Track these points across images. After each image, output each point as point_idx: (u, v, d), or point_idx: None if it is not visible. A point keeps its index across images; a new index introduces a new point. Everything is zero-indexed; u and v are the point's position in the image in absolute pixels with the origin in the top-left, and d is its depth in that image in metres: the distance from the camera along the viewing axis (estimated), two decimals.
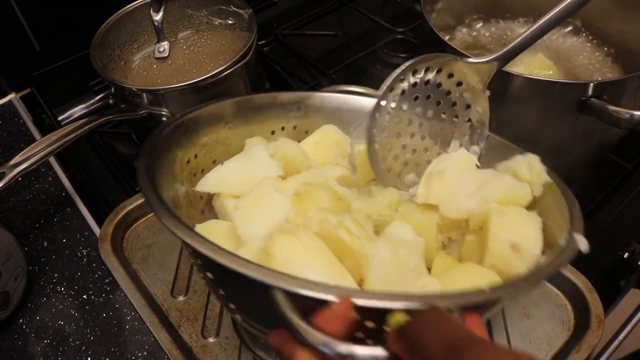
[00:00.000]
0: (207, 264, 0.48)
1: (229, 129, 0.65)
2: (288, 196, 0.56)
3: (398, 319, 0.37)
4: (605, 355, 0.63)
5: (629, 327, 0.65)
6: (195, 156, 0.62)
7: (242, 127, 0.66)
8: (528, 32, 0.59)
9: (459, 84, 0.61)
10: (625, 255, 0.71)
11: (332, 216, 0.50)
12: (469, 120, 0.62)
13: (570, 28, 0.90)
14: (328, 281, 0.45)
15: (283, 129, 0.68)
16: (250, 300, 0.48)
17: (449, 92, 0.61)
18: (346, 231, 0.49)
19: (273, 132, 0.68)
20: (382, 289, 0.47)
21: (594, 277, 0.64)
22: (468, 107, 0.62)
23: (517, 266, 0.53)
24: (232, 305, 0.51)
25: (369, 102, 0.68)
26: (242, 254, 0.47)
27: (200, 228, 0.56)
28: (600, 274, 0.67)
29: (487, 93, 0.61)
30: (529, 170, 0.57)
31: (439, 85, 0.60)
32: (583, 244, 0.49)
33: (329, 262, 0.48)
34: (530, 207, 0.57)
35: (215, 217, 0.62)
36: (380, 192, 0.62)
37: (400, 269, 0.49)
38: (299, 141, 0.69)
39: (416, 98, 0.60)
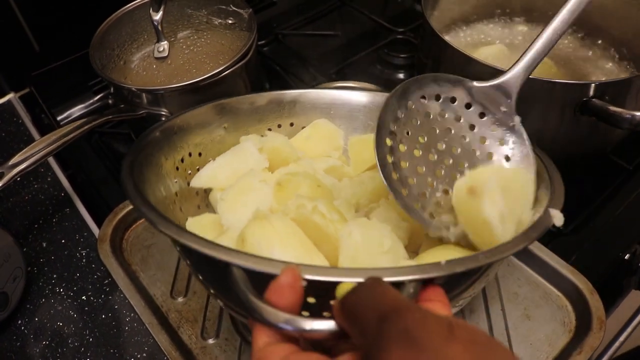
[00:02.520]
0: (184, 251, 0.50)
1: (224, 128, 0.66)
2: (271, 186, 0.57)
3: (342, 292, 0.36)
4: (606, 357, 0.63)
5: (629, 329, 0.65)
6: (190, 154, 0.63)
7: (239, 126, 0.67)
8: (547, 31, 0.55)
9: (482, 114, 0.55)
10: (626, 256, 0.70)
11: (308, 201, 0.50)
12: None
13: (570, 28, 0.89)
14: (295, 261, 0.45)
15: (280, 126, 0.69)
16: (221, 282, 0.48)
17: (472, 127, 0.55)
18: (320, 215, 0.49)
19: (270, 130, 0.69)
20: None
21: (595, 278, 0.64)
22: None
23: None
24: (212, 290, 0.52)
25: (362, 97, 0.69)
26: (222, 242, 0.48)
27: (191, 221, 0.57)
28: (601, 275, 0.66)
29: (518, 120, 0.54)
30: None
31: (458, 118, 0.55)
32: (558, 218, 0.47)
33: (300, 245, 0.48)
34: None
35: (212, 211, 0.63)
36: (371, 181, 0.61)
37: (373, 251, 0.48)
38: None
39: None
